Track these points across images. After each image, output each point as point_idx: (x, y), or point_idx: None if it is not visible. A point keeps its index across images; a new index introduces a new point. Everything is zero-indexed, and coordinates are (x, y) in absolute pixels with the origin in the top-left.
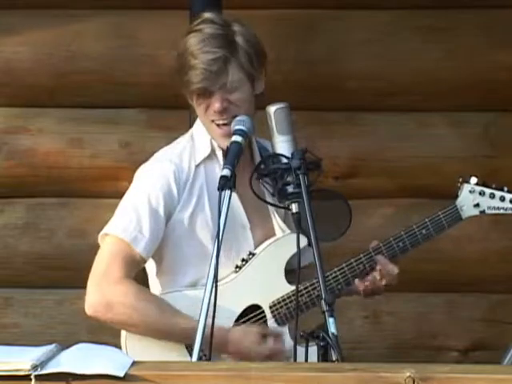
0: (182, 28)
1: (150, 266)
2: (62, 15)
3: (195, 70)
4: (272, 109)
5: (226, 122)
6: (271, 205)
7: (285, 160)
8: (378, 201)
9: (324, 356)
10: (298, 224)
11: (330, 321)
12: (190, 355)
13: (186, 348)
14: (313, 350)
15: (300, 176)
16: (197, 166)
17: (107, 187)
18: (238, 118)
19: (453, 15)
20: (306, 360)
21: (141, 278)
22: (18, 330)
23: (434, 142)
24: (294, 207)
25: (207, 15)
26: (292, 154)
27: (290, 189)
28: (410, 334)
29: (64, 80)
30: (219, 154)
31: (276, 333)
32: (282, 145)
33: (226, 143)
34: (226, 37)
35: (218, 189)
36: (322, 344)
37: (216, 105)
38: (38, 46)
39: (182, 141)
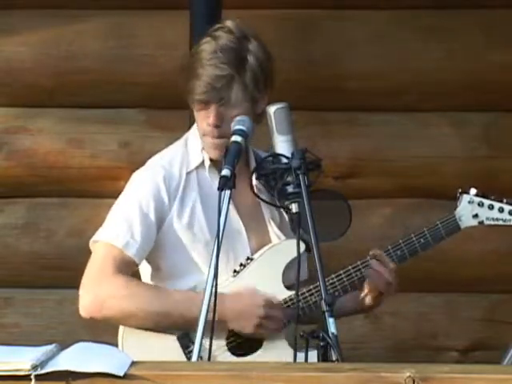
0: (182, 28)
1: (145, 271)
2: (61, 15)
3: (199, 80)
4: (272, 109)
5: (217, 136)
6: (271, 205)
7: (285, 160)
8: (377, 201)
9: (324, 356)
10: (298, 224)
11: (330, 321)
12: (185, 354)
13: (182, 347)
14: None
15: (300, 176)
16: (188, 174)
17: (107, 187)
18: (237, 118)
19: (453, 15)
20: (306, 360)
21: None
22: (17, 329)
23: (434, 142)
24: (294, 207)
25: (228, 23)
26: (292, 154)
27: (290, 189)
28: (409, 334)
29: (64, 80)
30: (207, 164)
31: (275, 302)
32: (282, 145)
33: (215, 155)
34: (239, 52)
35: (218, 188)
36: (322, 344)
37: (211, 118)
38: (38, 46)
39: (175, 147)
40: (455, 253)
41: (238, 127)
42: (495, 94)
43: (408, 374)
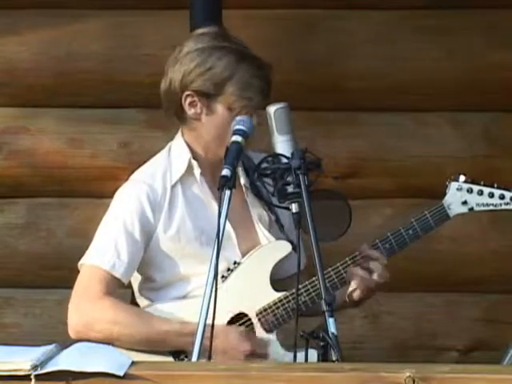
0: (182, 28)
1: (136, 282)
2: (61, 15)
3: (258, 82)
4: (272, 109)
5: None
6: (272, 205)
7: (285, 160)
8: (377, 201)
9: (324, 356)
10: (298, 224)
11: (330, 321)
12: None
13: (173, 356)
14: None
15: (300, 176)
16: (173, 186)
17: (107, 187)
18: (237, 118)
19: (453, 15)
20: (306, 360)
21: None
22: (17, 330)
23: (434, 142)
24: (294, 207)
25: (215, 29)
26: (292, 154)
27: (290, 189)
28: (409, 334)
29: (64, 80)
30: (197, 172)
31: (260, 339)
32: (282, 145)
33: None
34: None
35: (218, 188)
36: (322, 344)
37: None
38: (38, 46)
39: (158, 159)
40: (455, 253)
41: (238, 127)
42: (495, 94)
43: (408, 374)
